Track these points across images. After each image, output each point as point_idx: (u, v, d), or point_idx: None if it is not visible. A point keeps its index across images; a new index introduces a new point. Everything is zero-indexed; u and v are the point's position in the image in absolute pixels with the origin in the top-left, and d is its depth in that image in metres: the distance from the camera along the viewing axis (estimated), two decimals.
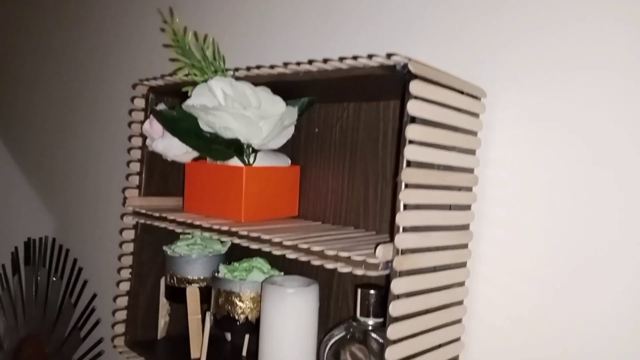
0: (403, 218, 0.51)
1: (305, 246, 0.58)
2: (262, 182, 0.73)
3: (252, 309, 0.73)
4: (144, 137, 0.82)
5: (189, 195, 0.77)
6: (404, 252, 0.51)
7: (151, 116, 0.75)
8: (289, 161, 0.79)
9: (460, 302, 0.61)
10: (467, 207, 0.61)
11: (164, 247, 0.84)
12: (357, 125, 0.73)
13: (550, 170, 0.59)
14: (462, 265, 0.61)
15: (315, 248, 0.57)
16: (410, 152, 0.51)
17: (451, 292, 0.59)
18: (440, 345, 0.59)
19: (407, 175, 0.51)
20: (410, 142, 0.51)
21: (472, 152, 0.61)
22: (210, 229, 0.68)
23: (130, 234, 0.84)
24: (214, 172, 0.74)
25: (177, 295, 0.82)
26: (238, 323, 0.73)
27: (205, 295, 0.81)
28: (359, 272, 0.53)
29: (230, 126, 0.63)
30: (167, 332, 0.88)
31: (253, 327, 0.74)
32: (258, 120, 0.63)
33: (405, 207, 0.51)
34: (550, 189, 0.59)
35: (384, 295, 0.62)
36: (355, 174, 0.73)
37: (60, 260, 1.28)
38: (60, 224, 1.34)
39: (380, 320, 0.63)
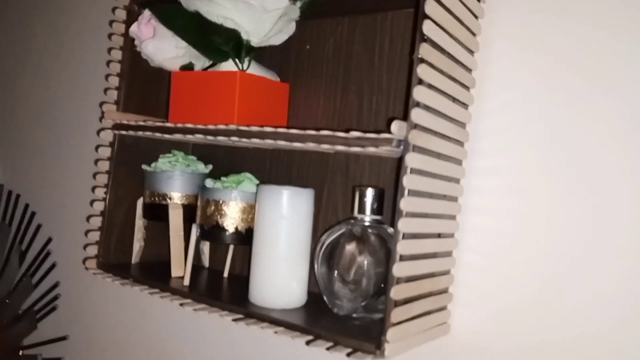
0: (419, 93, 0.51)
1: (313, 132, 0.57)
2: (254, 91, 0.71)
3: (243, 219, 0.72)
4: (126, 49, 0.78)
5: (174, 106, 0.75)
6: (417, 127, 0.52)
7: (141, 17, 0.72)
8: (278, 79, 0.78)
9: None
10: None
11: (144, 166, 0.81)
12: (352, 38, 0.74)
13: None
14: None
15: (325, 132, 0.56)
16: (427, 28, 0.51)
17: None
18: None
19: (425, 50, 0.51)
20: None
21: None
22: (206, 131, 0.66)
23: (106, 152, 0.80)
24: (204, 80, 0.72)
25: (157, 213, 0.79)
26: (227, 233, 0.72)
27: (187, 213, 0.79)
28: (372, 150, 0.54)
29: (232, 17, 0.61)
30: (141, 257, 0.84)
31: (242, 237, 0.72)
32: (262, 12, 0.61)
33: (421, 81, 0.52)
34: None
35: (381, 194, 0.63)
36: (349, 88, 0.74)
37: (9, 206, 1.20)
38: (9, 169, 1.25)
39: (379, 217, 0.63)
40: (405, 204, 0.51)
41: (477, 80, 0.63)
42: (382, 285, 0.61)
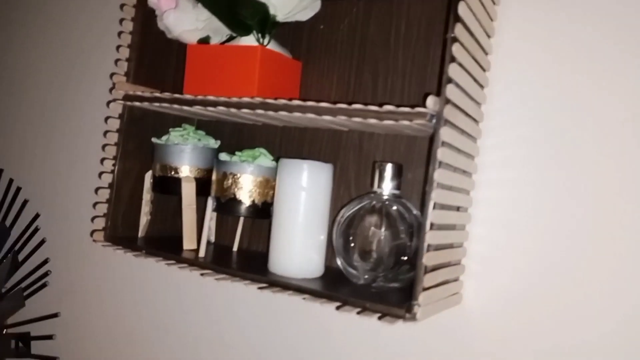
0: (453, 71, 0.54)
1: (344, 106, 0.59)
2: (272, 67, 0.72)
3: (259, 192, 0.73)
4: (137, 20, 0.78)
5: (190, 78, 0.75)
6: (449, 103, 0.55)
7: None
8: (291, 56, 0.79)
9: None
10: None
11: (154, 139, 0.81)
12: (368, 21, 0.76)
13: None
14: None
15: (357, 106, 0.58)
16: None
17: None
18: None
19: (459, 30, 0.54)
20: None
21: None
22: (229, 103, 0.67)
23: (115, 124, 0.79)
24: (223, 53, 0.72)
25: (167, 186, 0.79)
26: (244, 206, 0.73)
27: (198, 186, 0.79)
28: (405, 123, 0.56)
29: None
30: (147, 232, 0.84)
31: (258, 210, 0.74)
32: None
33: (453, 59, 0.54)
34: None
35: (400, 169, 0.66)
36: (364, 69, 0.76)
37: None
38: None
39: (397, 191, 0.66)
40: (438, 175, 0.54)
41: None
42: (403, 258, 0.64)
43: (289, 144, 0.81)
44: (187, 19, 0.70)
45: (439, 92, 0.55)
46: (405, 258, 0.64)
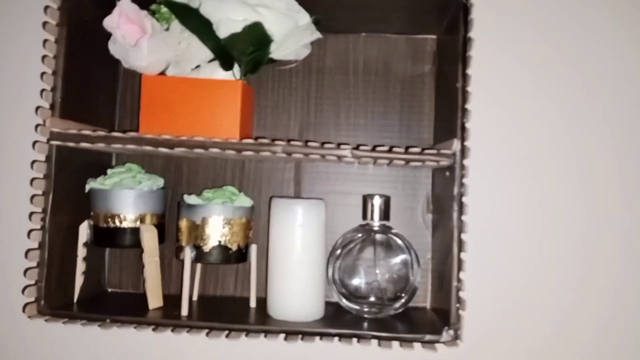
0: (467, 117, 0.61)
1: (367, 148, 0.61)
2: (247, 101, 0.69)
3: (243, 235, 0.69)
4: (63, 42, 0.64)
5: (147, 115, 0.66)
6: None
7: (120, 10, 0.61)
8: None
9: None
10: None
11: (92, 185, 0.68)
12: (325, 54, 0.77)
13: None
14: None
15: (382, 147, 0.61)
16: None
17: None
18: None
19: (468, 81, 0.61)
20: None
21: None
22: (229, 145, 0.61)
23: (42, 168, 0.64)
24: (193, 87, 0.66)
25: (113, 238, 0.68)
26: (231, 252, 0.68)
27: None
28: (431, 164, 0.61)
29: (267, 24, 0.59)
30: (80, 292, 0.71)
31: (243, 255, 0.69)
32: (294, 23, 0.61)
33: (464, 108, 0.61)
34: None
35: (388, 200, 0.70)
36: (323, 102, 0.77)
37: None
38: None
39: (388, 222, 0.70)
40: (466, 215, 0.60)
41: None
42: (401, 287, 0.69)
43: (242, 176, 0.78)
44: (162, 46, 0.62)
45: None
46: (402, 287, 0.69)
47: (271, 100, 0.78)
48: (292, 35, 0.62)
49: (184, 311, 0.66)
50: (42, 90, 0.65)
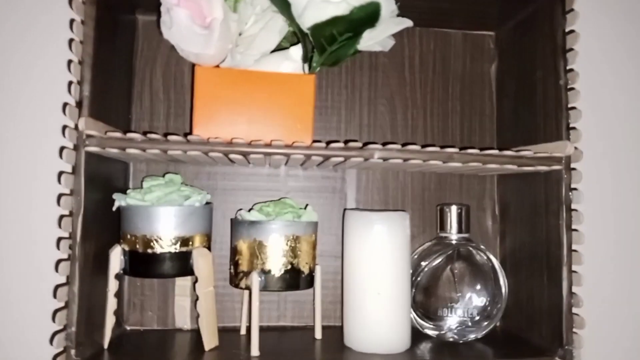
0: (575, 116, 0.56)
1: (474, 151, 0.54)
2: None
3: (312, 257, 0.59)
4: (90, 23, 0.51)
5: (201, 114, 0.54)
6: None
7: None
8: None
9: None
10: None
11: (125, 199, 0.55)
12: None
13: None
14: None
15: (491, 151, 0.54)
16: None
17: None
18: None
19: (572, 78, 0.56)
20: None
21: None
22: (319, 151, 0.51)
23: (69, 182, 0.50)
24: (258, 82, 0.55)
25: (156, 266, 0.55)
26: (303, 276, 0.57)
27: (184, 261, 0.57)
28: (542, 168, 0.55)
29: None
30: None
31: (312, 279, 0.59)
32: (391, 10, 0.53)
33: (574, 107, 0.56)
34: None
35: (468, 210, 0.64)
36: (377, 102, 0.69)
37: None
38: None
39: (468, 234, 0.64)
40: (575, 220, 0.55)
41: None
42: (487, 307, 0.62)
43: (294, 188, 0.67)
44: (229, 31, 0.51)
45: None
46: (488, 307, 0.62)
47: (318, 100, 0.68)
48: (381, 22, 0.53)
49: (254, 351, 0.54)
50: (70, 84, 0.51)
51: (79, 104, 0.50)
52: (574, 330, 0.54)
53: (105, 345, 0.55)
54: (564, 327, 0.54)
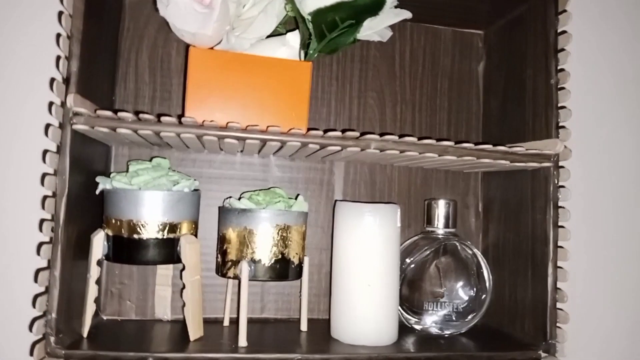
0: (565, 115, 0.57)
1: (469, 145, 0.54)
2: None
3: (302, 247, 0.58)
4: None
5: (193, 96, 0.53)
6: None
7: None
8: None
9: None
10: None
11: (111, 182, 0.53)
12: (369, 44, 0.69)
13: None
14: None
15: (485, 146, 0.54)
16: None
17: None
18: None
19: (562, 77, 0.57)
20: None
21: None
22: (321, 140, 0.51)
23: (53, 161, 0.48)
24: (254, 66, 0.54)
25: (141, 253, 0.53)
26: (293, 266, 0.56)
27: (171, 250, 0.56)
28: (533, 165, 0.56)
29: None
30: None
31: (300, 270, 0.58)
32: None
33: (563, 106, 0.57)
34: None
35: (455, 205, 0.65)
36: (367, 95, 0.69)
37: None
38: None
39: (454, 229, 0.64)
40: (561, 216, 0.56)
41: None
42: (471, 301, 0.63)
43: (267, 175, 0.66)
44: (228, 12, 0.49)
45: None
46: (472, 302, 0.63)
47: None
48: (382, 12, 0.53)
49: (242, 341, 0.53)
50: (58, 59, 0.48)
51: (66, 80, 0.48)
52: (558, 324, 0.56)
53: (85, 334, 0.52)
54: (548, 322, 0.55)
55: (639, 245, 0.78)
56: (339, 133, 0.51)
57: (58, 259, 0.47)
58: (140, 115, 0.48)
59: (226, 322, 0.61)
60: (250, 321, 0.62)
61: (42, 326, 0.47)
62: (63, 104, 0.48)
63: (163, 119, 0.49)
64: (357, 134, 0.52)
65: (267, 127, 0.51)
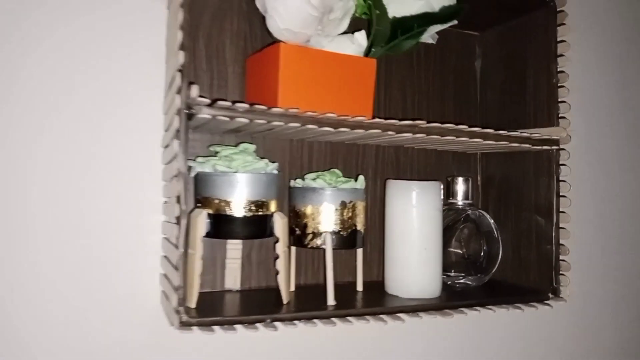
0: (565, 108, 0.72)
1: (477, 129, 0.66)
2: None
3: (364, 219, 0.67)
4: None
5: (286, 89, 0.59)
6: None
7: None
8: None
9: None
10: None
11: (213, 165, 0.58)
12: None
13: None
14: None
15: (501, 131, 0.67)
16: None
17: None
18: None
19: (563, 78, 0.72)
20: None
21: None
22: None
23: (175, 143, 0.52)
24: (328, 62, 0.61)
25: (241, 229, 0.59)
26: (360, 235, 0.66)
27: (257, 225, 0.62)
28: (535, 148, 0.70)
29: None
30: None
31: (363, 239, 0.67)
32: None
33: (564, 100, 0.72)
34: None
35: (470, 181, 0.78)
36: (393, 86, 0.79)
37: None
38: None
39: (471, 201, 0.77)
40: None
41: None
42: (488, 259, 0.76)
43: (319, 158, 0.74)
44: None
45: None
46: (487, 261, 0.76)
47: None
48: None
49: (331, 301, 0.61)
50: (181, 45, 0.52)
51: (181, 71, 0.52)
52: (562, 272, 0.71)
53: (193, 305, 0.57)
54: (554, 271, 0.71)
55: (622, 211, 0.99)
56: (412, 122, 0.61)
57: (196, 239, 0.52)
58: (254, 107, 0.54)
59: (292, 288, 0.69)
60: (317, 286, 0.70)
61: (176, 299, 0.52)
62: (179, 91, 0.52)
63: (273, 110, 0.55)
64: (425, 123, 0.62)
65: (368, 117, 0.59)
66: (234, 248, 0.67)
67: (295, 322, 0.57)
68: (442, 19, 0.60)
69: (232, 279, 0.68)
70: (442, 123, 0.63)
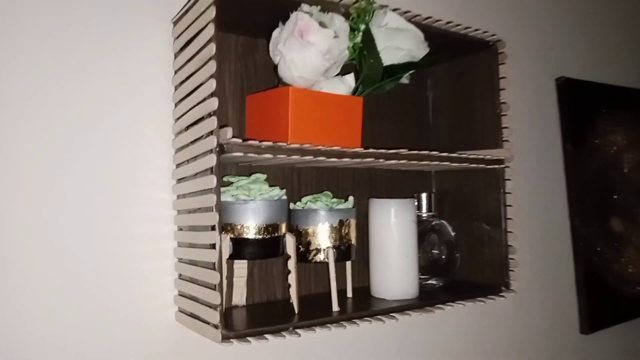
0: (506, 133, 0.87)
1: (448, 154, 0.80)
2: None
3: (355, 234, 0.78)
4: None
5: (294, 126, 0.68)
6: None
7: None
8: None
9: None
10: None
11: (234, 195, 0.66)
12: None
13: None
14: None
15: (462, 154, 0.81)
16: None
17: None
18: None
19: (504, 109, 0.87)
20: None
21: None
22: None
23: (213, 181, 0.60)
24: (325, 101, 0.71)
25: (259, 250, 0.68)
26: (354, 248, 0.76)
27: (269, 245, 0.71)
28: (481, 166, 0.85)
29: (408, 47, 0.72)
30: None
31: (354, 251, 0.78)
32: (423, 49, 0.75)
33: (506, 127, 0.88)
34: None
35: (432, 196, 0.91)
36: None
37: None
38: None
39: (434, 213, 0.90)
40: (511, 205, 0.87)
41: None
42: (450, 263, 0.90)
43: (302, 179, 0.84)
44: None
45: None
46: (450, 263, 0.90)
47: None
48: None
49: (335, 307, 0.71)
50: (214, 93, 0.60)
51: (214, 114, 0.60)
52: (511, 269, 0.86)
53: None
54: (505, 268, 0.86)
55: (553, 219, 1.17)
56: (402, 150, 0.73)
57: (223, 262, 0.60)
58: (276, 144, 0.63)
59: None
60: (312, 296, 0.79)
61: (217, 317, 0.59)
62: (211, 133, 0.60)
63: (290, 146, 0.64)
64: (407, 150, 0.74)
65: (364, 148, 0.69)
66: (241, 267, 0.75)
67: (314, 328, 0.66)
68: (424, 66, 0.73)
69: (239, 295, 0.75)
70: (405, 146, 0.75)
